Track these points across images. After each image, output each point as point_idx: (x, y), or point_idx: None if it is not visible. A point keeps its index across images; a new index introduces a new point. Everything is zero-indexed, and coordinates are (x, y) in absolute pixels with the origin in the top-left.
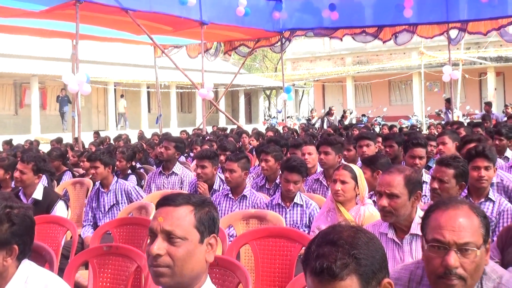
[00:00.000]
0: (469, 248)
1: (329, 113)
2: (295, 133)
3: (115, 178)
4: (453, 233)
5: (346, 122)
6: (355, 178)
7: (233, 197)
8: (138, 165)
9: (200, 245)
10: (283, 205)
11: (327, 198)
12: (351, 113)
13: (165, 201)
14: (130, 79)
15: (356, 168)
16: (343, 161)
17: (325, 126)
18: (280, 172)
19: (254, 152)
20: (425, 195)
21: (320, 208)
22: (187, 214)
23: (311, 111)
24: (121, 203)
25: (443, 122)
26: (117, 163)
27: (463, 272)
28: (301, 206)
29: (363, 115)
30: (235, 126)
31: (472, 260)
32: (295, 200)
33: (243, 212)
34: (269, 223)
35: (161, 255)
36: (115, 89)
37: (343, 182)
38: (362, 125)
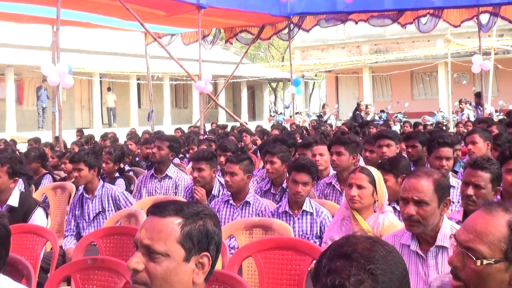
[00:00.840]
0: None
1: (358, 108)
2: (304, 131)
3: (101, 182)
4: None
5: (368, 118)
6: (373, 182)
7: (234, 204)
8: (127, 168)
9: (185, 263)
10: (291, 213)
11: (341, 205)
12: (367, 108)
13: (153, 210)
14: (117, 70)
15: (375, 171)
16: (362, 163)
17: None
18: (287, 174)
19: (258, 153)
20: (453, 202)
21: (332, 217)
22: (172, 227)
23: (322, 107)
24: (108, 210)
25: (463, 117)
26: (103, 165)
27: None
28: (311, 214)
29: (382, 111)
30: (236, 124)
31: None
32: (304, 208)
33: (245, 220)
34: (275, 233)
35: (138, 270)
36: (101, 81)
37: (359, 187)
38: (381, 122)
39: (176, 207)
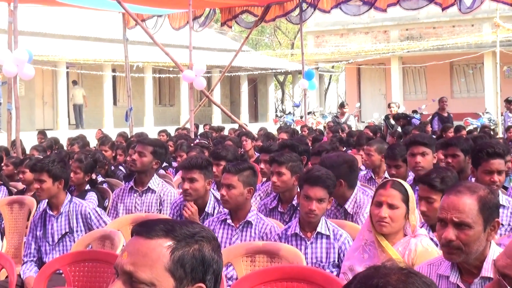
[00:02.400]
0: None
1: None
2: (318, 135)
3: (68, 196)
4: None
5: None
6: (406, 200)
7: (233, 224)
8: (99, 178)
9: None
10: (303, 235)
11: (362, 227)
12: (398, 107)
13: (138, 230)
14: (89, 58)
15: (407, 186)
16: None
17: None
18: (298, 188)
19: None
20: (503, 224)
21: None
22: (160, 251)
23: (341, 106)
24: (77, 231)
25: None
26: (72, 175)
27: None
28: (327, 237)
29: (414, 111)
30: (235, 125)
31: None
32: (319, 229)
33: (246, 245)
34: (283, 261)
35: None
36: (67, 72)
37: (391, 207)
38: (412, 124)
39: (167, 226)
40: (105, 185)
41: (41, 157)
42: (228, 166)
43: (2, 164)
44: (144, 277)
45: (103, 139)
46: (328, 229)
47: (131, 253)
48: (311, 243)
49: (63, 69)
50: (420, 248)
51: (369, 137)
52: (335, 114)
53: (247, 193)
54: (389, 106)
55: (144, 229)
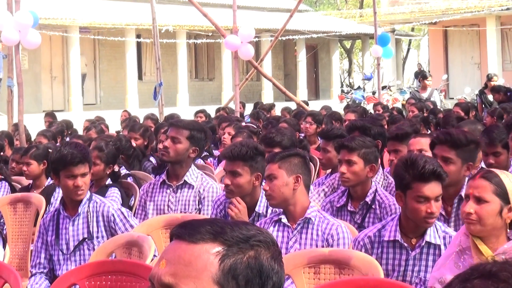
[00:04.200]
0: None
1: (488, 85)
2: (396, 116)
3: (88, 193)
4: None
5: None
6: (503, 194)
7: (289, 224)
8: (123, 171)
9: None
10: (405, 244)
11: (456, 234)
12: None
13: (179, 232)
14: (107, 21)
15: (508, 177)
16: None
17: None
18: (400, 188)
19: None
20: None
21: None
22: (207, 259)
23: (422, 77)
24: (97, 236)
25: None
26: None
27: None
28: (437, 247)
29: None
30: (291, 104)
31: None
32: (427, 238)
33: (309, 252)
34: (355, 272)
35: None
36: (81, 38)
37: (478, 200)
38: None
39: (215, 228)
40: (130, 179)
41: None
42: (268, 155)
43: (6, 154)
44: None
45: (132, 124)
46: (439, 236)
47: (171, 262)
48: (416, 254)
49: (76, 35)
50: None
51: (460, 117)
52: (415, 88)
53: (294, 182)
54: (488, 78)
55: (187, 231)
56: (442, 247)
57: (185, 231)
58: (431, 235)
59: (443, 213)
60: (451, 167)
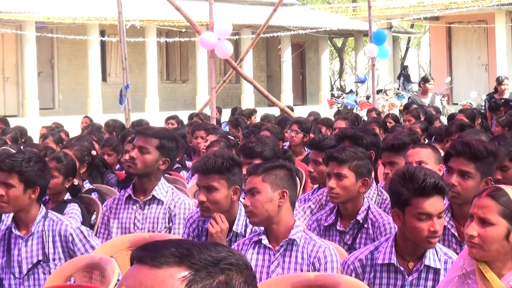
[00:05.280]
0: None
1: (498, 89)
2: (392, 123)
3: (43, 210)
4: None
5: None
6: (510, 216)
7: (270, 246)
8: (86, 184)
9: None
10: (401, 267)
11: (459, 256)
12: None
13: (141, 255)
14: (66, 16)
15: None
16: None
17: None
18: (397, 204)
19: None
20: None
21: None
22: (172, 285)
23: (423, 80)
24: (54, 258)
25: None
26: None
27: None
28: (437, 272)
29: None
30: (274, 109)
31: None
32: (426, 261)
33: (292, 277)
34: None
35: None
36: (37, 37)
37: (483, 222)
38: None
39: (181, 250)
40: (94, 195)
41: (13, 150)
42: (250, 166)
43: None
44: None
45: (105, 139)
46: (440, 259)
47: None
48: (413, 279)
49: (32, 32)
50: None
51: (462, 125)
52: (415, 93)
53: (279, 198)
54: (499, 82)
55: (149, 254)
56: (442, 271)
57: (147, 254)
58: (431, 258)
59: (456, 234)
60: (469, 182)
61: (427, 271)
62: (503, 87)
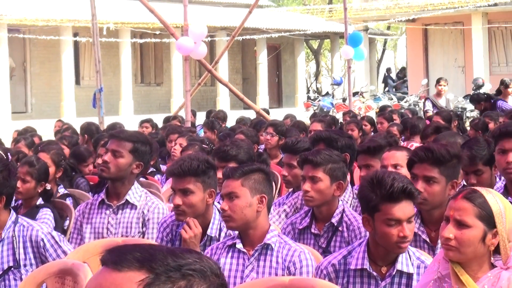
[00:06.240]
0: None
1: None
2: (367, 126)
3: (13, 215)
4: None
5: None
6: (487, 218)
7: (245, 250)
8: (61, 189)
9: None
10: (374, 272)
11: (434, 259)
12: (481, 86)
13: (105, 259)
14: (39, 18)
15: (496, 198)
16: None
17: None
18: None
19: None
20: None
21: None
22: None
23: (436, 82)
24: (25, 264)
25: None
26: (18, 184)
27: None
28: (409, 276)
29: (498, 91)
30: (250, 112)
31: None
32: (398, 266)
33: (267, 281)
34: None
35: None
36: (10, 38)
37: (459, 225)
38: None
39: (144, 254)
40: (69, 200)
41: None
42: (229, 169)
43: None
44: None
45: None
46: (413, 264)
47: None
48: (386, 284)
49: (4, 34)
50: None
51: (441, 127)
52: (390, 96)
53: (257, 204)
54: (505, 85)
55: (112, 257)
56: (415, 276)
57: (110, 257)
58: (404, 263)
59: (427, 239)
60: (435, 187)
61: (400, 276)
62: (510, 89)
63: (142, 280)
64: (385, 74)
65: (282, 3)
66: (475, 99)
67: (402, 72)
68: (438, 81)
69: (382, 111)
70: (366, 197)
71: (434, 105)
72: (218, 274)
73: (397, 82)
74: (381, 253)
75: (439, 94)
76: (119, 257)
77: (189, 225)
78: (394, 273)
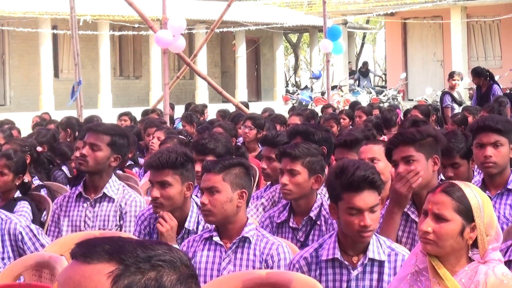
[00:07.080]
0: None
1: (450, 83)
2: (345, 120)
3: None
4: None
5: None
6: (465, 212)
7: (221, 243)
8: (36, 181)
9: None
10: (346, 262)
11: (411, 253)
12: (461, 79)
13: (75, 251)
14: (17, 10)
15: (474, 192)
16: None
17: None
18: (330, 191)
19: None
20: None
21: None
22: (98, 280)
23: (448, 76)
24: (3, 258)
25: None
26: None
27: None
28: (381, 264)
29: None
30: (229, 106)
31: None
32: (370, 254)
33: (244, 275)
34: None
35: None
36: None
37: (438, 218)
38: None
39: (114, 246)
40: (43, 191)
41: None
42: (209, 163)
43: None
44: None
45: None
46: (384, 252)
47: (62, 284)
48: (358, 273)
49: None
50: (492, 280)
51: (418, 121)
52: (370, 89)
53: (237, 199)
54: (451, 77)
55: (81, 250)
56: (387, 264)
57: (79, 250)
58: (375, 251)
59: (417, 220)
60: (416, 166)
61: (371, 264)
62: (453, 81)
63: (111, 272)
64: (358, 68)
65: None
66: (478, 71)
67: (364, 67)
68: (451, 75)
69: (352, 107)
70: (331, 185)
71: (453, 100)
72: (188, 264)
73: (358, 76)
74: (349, 242)
75: (452, 88)
76: (88, 250)
77: (165, 218)
78: (366, 261)
